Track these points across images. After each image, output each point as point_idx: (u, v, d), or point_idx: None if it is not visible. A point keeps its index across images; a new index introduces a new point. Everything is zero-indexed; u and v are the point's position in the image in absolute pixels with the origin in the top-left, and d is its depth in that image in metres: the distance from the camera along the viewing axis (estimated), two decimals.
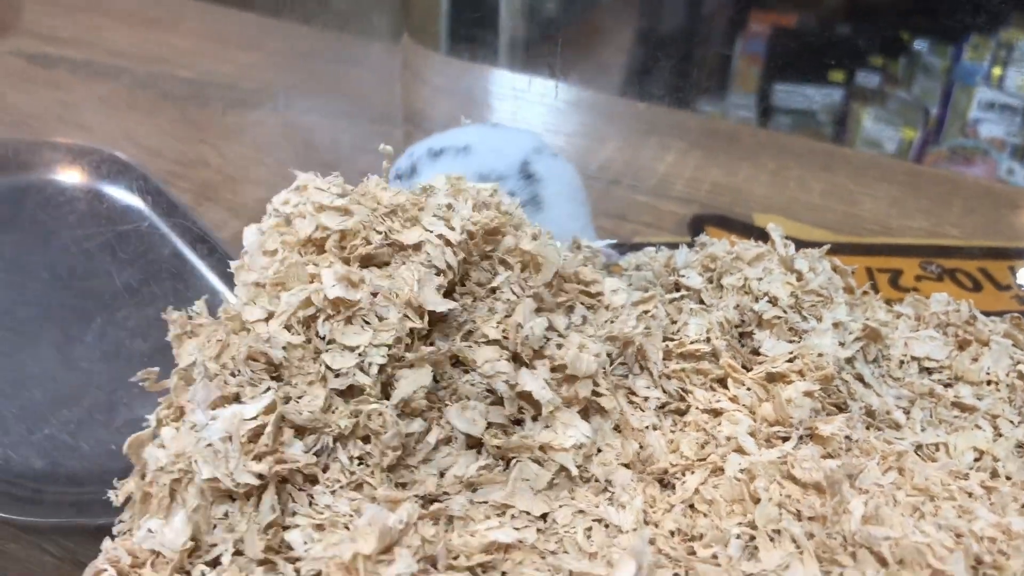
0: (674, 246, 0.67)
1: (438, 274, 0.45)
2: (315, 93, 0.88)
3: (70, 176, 0.65)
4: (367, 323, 0.44)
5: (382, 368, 0.43)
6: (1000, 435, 0.50)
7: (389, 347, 0.43)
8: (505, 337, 0.44)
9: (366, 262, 0.46)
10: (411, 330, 0.44)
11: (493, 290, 0.47)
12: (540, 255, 0.47)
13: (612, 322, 0.48)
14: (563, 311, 0.48)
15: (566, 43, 0.95)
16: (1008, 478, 0.47)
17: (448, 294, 0.46)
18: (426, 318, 0.44)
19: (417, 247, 0.46)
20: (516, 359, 0.44)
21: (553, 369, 0.45)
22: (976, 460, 0.49)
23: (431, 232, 0.46)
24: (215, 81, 0.97)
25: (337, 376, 0.43)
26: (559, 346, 0.45)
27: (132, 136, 0.85)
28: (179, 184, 0.78)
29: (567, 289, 0.48)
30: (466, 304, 0.46)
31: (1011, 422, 0.51)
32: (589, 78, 1.01)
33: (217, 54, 1.03)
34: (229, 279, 0.51)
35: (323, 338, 0.43)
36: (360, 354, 0.43)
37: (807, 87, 1.27)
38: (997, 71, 1.27)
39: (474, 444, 0.44)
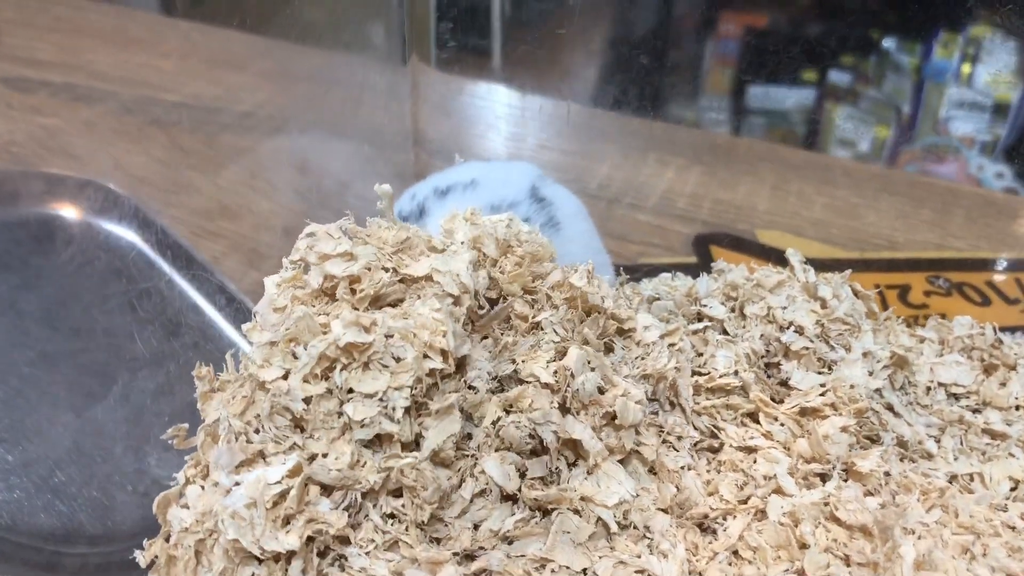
0: (687, 269, 0.66)
1: (454, 302, 0.44)
2: (311, 115, 0.86)
3: (71, 214, 0.62)
4: (384, 366, 0.42)
5: (407, 411, 0.42)
6: None
7: (412, 388, 0.42)
8: (558, 382, 0.43)
9: (377, 303, 0.45)
10: (432, 370, 0.42)
11: (535, 325, 0.45)
12: (588, 293, 0.46)
13: (644, 358, 0.47)
14: (603, 350, 0.46)
15: (535, 53, 0.94)
16: None
17: (473, 314, 0.45)
18: (451, 359, 0.43)
19: (428, 278, 0.45)
20: (562, 407, 0.43)
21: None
22: (1012, 490, 0.48)
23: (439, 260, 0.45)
24: (204, 105, 0.95)
25: (362, 427, 0.41)
26: (601, 390, 0.44)
27: (121, 164, 0.83)
28: (172, 214, 0.76)
29: (606, 327, 0.47)
30: (506, 342, 0.45)
31: None
32: (558, 87, 1.00)
33: (204, 75, 1.00)
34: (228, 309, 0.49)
35: (342, 389, 0.42)
36: (381, 399, 0.41)
37: (779, 88, 1.27)
38: (966, 68, 1.28)
39: (509, 495, 0.43)
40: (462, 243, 0.47)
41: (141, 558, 0.42)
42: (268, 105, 0.91)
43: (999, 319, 0.73)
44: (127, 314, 0.54)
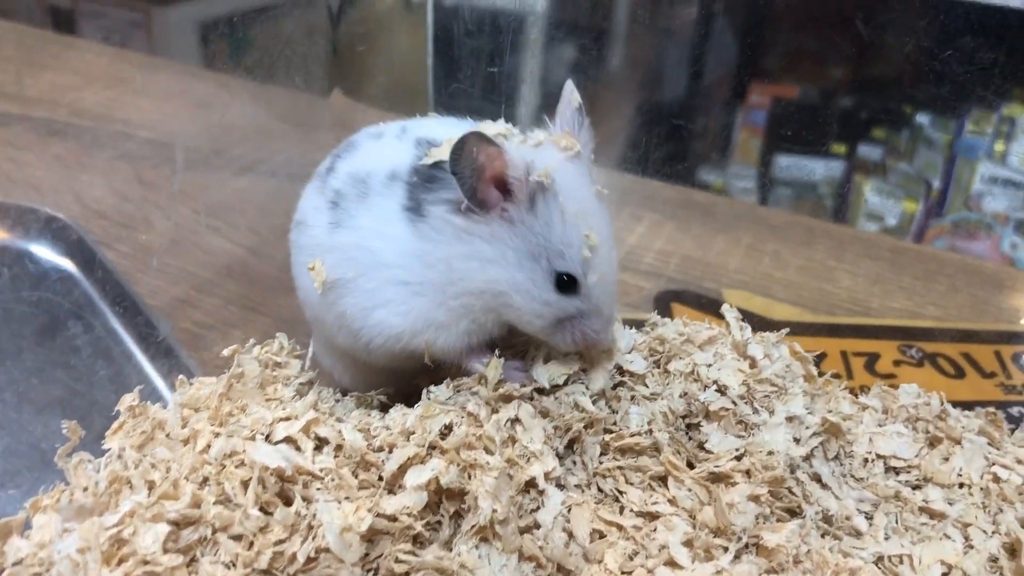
0: (631, 323, 0.63)
1: None
2: (279, 155, 0.85)
3: None
4: None
5: None
6: (971, 547, 0.45)
7: None
8: None
9: None
10: None
11: None
12: None
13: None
14: None
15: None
16: None
17: None
18: None
19: None
20: None
21: None
22: (944, 575, 0.44)
23: None
24: (176, 142, 0.94)
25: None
26: None
27: (79, 195, 0.82)
28: (118, 248, 0.75)
29: None
30: None
31: (984, 532, 0.46)
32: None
33: (183, 115, 1.00)
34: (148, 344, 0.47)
35: None
36: None
37: (808, 159, 1.25)
38: (1000, 146, 1.25)
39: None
40: None
41: None
42: (240, 145, 0.90)
43: (973, 393, 0.69)
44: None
